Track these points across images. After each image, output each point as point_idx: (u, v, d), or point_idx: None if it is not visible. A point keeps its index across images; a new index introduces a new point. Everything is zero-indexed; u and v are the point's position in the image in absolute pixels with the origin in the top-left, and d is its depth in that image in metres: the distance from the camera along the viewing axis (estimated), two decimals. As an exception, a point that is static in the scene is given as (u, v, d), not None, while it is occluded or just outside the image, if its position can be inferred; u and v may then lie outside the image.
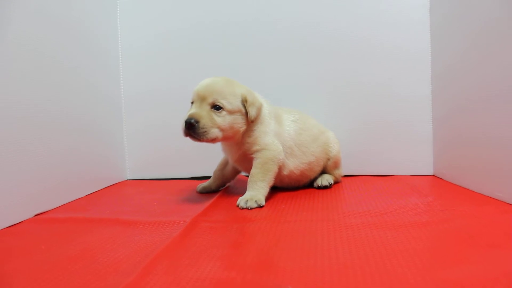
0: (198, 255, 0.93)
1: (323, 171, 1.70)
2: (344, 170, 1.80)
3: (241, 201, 1.38)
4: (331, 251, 0.93)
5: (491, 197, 1.35)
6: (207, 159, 1.94)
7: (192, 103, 1.43)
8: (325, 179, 1.65)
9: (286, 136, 1.54)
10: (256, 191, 1.41)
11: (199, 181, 1.91)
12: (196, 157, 1.99)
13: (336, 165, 1.71)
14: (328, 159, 1.68)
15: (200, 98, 1.38)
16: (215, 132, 1.36)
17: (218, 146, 1.66)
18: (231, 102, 1.39)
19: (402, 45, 1.85)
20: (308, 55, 1.91)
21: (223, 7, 1.96)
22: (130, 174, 2.07)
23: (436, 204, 1.31)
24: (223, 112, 1.37)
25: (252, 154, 1.47)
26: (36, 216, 1.33)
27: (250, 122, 1.44)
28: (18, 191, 1.27)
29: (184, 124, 1.34)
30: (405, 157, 1.87)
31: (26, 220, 1.29)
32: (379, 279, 0.77)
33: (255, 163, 1.46)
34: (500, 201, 1.29)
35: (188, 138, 1.38)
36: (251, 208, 1.35)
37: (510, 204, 1.24)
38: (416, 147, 1.86)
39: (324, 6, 1.89)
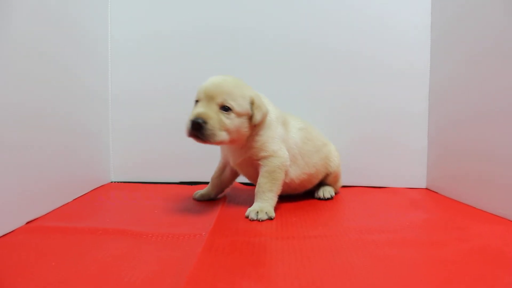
0: (234, 274, 0.88)
1: (324, 183, 1.69)
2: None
3: (251, 212, 1.33)
4: (368, 269, 0.91)
5: (486, 211, 1.42)
6: (197, 163, 1.88)
7: (196, 101, 1.34)
8: (327, 191, 1.64)
9: (292, 143, 1.50)
10: (265, 202, 1.37)
11: (189, 186, 1.84)
12: (185, 161, 1.92)
13: (337, 179, 1.71)
14: (328, 174, 1.66)
15: (207, 97, 1.30)
16: (222, 135, 1.28)
17: (209, 150, 1.59)
18: (240, 104, 1.32)
19: (402, 63, 1.87)
20: (308, 71, 1.89)
21: (216, 11, 1.89)
22: (115, 176, 1.95)
23: (444, 220, 1.34)
24: (232, 114, 1.30)
25: (259, 160, 1.42)
26: (28, 224, 1.21)
27: (253, 126, 1.37)
28: (3, 197, 1.12)
29: (190, 124, 1.25)
30: (399, 170, 1.90)
31: (18, 228, 1.16)
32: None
33: (262, 172, 1.41)
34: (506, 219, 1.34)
35: (187, 139, 1.29)
36: (262, 220, 1.31)
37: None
38: (411, 161, 1.90)
39: (327, 24, 1.88)
